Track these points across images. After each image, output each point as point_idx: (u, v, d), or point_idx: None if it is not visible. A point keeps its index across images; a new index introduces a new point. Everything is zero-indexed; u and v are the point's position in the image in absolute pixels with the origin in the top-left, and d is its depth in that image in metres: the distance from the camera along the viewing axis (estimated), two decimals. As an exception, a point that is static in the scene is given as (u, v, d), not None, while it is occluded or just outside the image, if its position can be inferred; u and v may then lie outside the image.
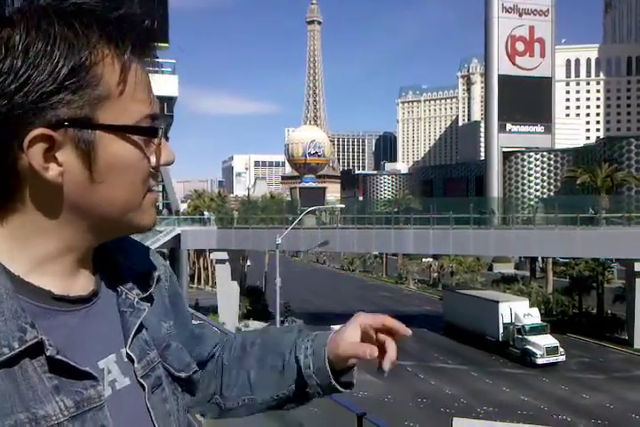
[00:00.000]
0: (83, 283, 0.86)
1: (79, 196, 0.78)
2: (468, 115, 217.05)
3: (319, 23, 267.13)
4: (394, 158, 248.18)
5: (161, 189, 50.29)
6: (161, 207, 49.28)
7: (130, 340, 0.89)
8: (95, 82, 0.74)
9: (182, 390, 1.00)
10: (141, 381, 0.88)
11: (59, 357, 0.73)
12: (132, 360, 0.88)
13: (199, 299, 46.16)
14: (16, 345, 0.70)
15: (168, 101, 48.83)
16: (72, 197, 0.77)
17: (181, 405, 0.99)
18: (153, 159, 0.82)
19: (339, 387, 1.09)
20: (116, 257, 0.95)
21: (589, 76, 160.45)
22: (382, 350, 1.04)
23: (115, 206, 0.80)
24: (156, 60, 0.80)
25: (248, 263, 60.48)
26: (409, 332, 1.08)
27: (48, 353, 0.72)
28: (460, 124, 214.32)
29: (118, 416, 0.81)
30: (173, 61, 53.34)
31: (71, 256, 0.83)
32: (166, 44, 54.63)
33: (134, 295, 0.93)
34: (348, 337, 1.05)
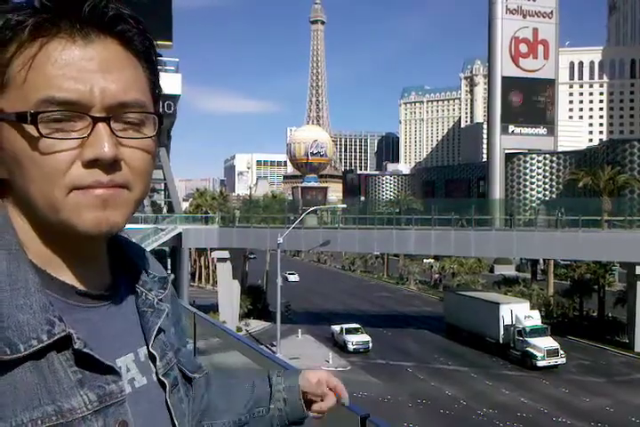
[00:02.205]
0: (98, 281, 0.86)
1: (16, 191, 0.76)
2: (471, 116, 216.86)
3: (323, 23, 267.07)
4: (396, 159, 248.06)
5: (163, 187, 50.36)
6: (162, 205, 49.35)
7: (152, 338, 0.90)
8: (2, 68, 0.71)
9: (193, 393, 1.02)
10: (163, 379, 0.89)
11: (86, 350, 0.74)
12: (153, 359, 0.89)
13: (196, 298, 46.15)
14: (45, 338, 0.71)
15: (171, 100, 48.86)
16: (16, 192, 0.77)
17: (191, 408, 1.00)
18: (73, 152, 0.73)
19: (304, 410, 1.15)
20: (134, 260, 0.96)
21: (593, 79, 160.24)
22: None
23: (34, 204, 0.75)
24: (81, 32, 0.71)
25: (252, 256, 61.50)
26: (346, 396, 1.18)
27: (76, 346, 0.73)
28: (463, 125, 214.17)
29: (138, 414, 0.81)
30: (176, 60, 53.36)
31: (66, 252, 0.81)
32: (169, 43, 54.78)
33: (154, 296, 0.94)
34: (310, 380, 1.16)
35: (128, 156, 0.76)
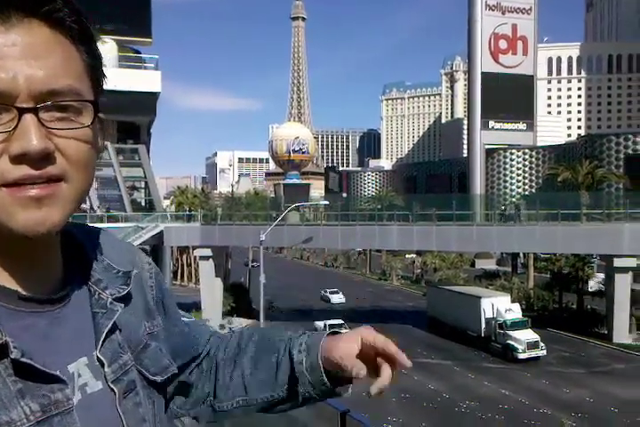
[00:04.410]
0: (47, 283, 0.81)
1: None
2: (452, 112, 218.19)
3: (303, 19, 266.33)
4: (378, 155, 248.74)
5: (143, 185, 49.94)
6: (143, 204, 48.93)
7: (100, 343, 0.84)
8: None
9: (160, 394, 0.96)
10: (111, 385, 0.84)
11: (24, 359, 0.70)
12: (102, 364, 0.84)
13: (179, 296, 45.89)
14: None
15: (151, 97, 48.36)
16: None
17: (159, 409, 0.95)
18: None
19: (329, 386, 1.04)
20: (91, 256, 0.90)
21: (571, 75, 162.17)
22: (377, 373, 1.00)
23: None
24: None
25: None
26: (409, 364, 1.00)
27: (12, 356, 0.69)
28: (444, 121, 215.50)
29: (88, 421, 0.77)
30: (156, 57, 52.78)
31: (5, 255, 0.77)
32: (149, 40, 54.16)
33: (108, 295, 0.88)
34: (344, 346, 1.01)
35: (62, 146, 0.71)
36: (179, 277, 68.14)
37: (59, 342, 0.79)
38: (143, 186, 50.86)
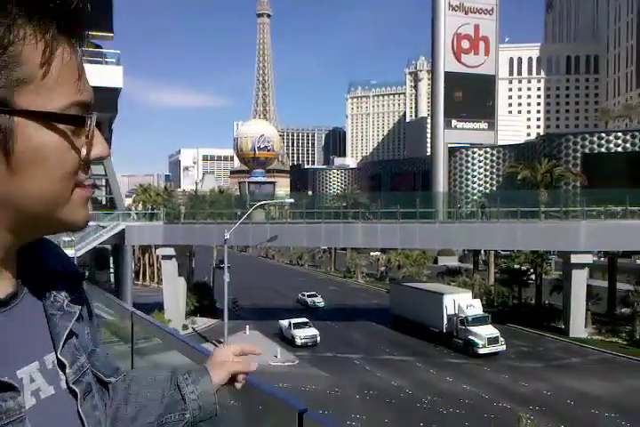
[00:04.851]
0: (1, 285, 0.80)
1: None
2: (416, 111, 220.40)
3: (269, 16, 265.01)
4: (343, 153, 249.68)
5: (104, 183, 48.88)
6: (104, 202, 47.92)
7: (61, 344, 0.83)
8: (14, 63, 0.67)
9: (109, 397, 0.97)
10: (73, 387, 0.83)
11: None
12: (62, 366, 0.83)
13: (141, 297, 45.21)
14: None
15: (112, 93, 47.29)
16: None
17: (108, 413, 0.95)
18: (83, 151, 0.75)
19: (217, 411, 1.17)
20: (43, 258, 0.89)
21: (531, 75, 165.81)
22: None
23: (38, 201, 0.73)
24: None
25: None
26: (257, 351, 1.28)
27: None
28: (408, 119, 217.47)
29: None
30: (118, 52, 51.60)
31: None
32: (110, 34, 52.87)
33: (63, 298, 0.86)
34: (224, 360, 1.21)
35: None
36: (141, 276, 67.10)
37: (7, 347, 0.76)
38: (104, 184, 49.81)
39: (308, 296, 51.34)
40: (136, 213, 48.22)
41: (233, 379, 1.21)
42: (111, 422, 1.06)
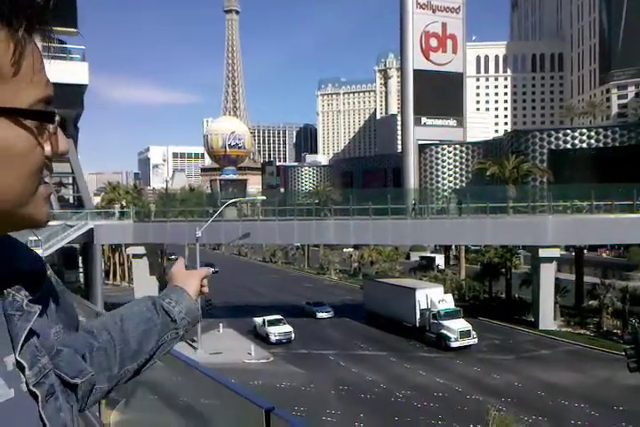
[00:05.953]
0: None
1: None
2: (386, 108, 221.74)
3: (237, 12, 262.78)
4: (314, 150, 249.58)
5: (71, 181, 47.88)
6: (71, 201, 46.95)
7: (20, 345, 0.80)
8: None
9: (76, 398, 0.94)
10: (34, 389, 0.80)
11: None
12: (21, 368, 0.79)
13: (111, 297, 44.50)
14: None
15: (77, 89, 46.35)
16: None
17: (75, 414, 0.92)
18: (47, 148, 0.74)
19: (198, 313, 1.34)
20: (4, 257, 0.86)
21: (498, 73, 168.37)
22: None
23: (4, 198, 0.72)
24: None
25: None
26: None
27: None
28: (378, 117, 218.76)
29: None
30: (82, 48, 50.53)
31: None
32: (74, 30, 51.69)
33: (23, 297, 0.83)
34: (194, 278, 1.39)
35: None
36: (111, 276, 66.01)
37: None
38: (71, 182, 48.82)
39: (314, 305, 43.86)
40: (104, 212, 47.33)
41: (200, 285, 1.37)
42: (120, 362, 1.14)
